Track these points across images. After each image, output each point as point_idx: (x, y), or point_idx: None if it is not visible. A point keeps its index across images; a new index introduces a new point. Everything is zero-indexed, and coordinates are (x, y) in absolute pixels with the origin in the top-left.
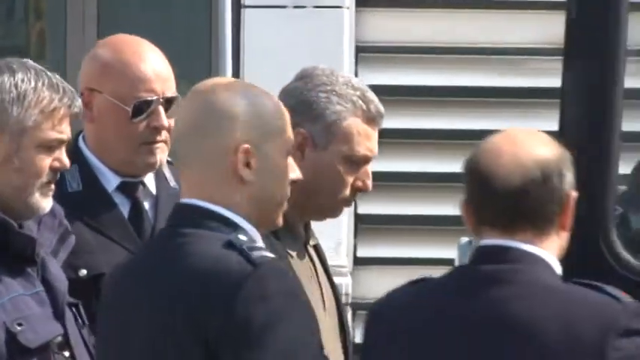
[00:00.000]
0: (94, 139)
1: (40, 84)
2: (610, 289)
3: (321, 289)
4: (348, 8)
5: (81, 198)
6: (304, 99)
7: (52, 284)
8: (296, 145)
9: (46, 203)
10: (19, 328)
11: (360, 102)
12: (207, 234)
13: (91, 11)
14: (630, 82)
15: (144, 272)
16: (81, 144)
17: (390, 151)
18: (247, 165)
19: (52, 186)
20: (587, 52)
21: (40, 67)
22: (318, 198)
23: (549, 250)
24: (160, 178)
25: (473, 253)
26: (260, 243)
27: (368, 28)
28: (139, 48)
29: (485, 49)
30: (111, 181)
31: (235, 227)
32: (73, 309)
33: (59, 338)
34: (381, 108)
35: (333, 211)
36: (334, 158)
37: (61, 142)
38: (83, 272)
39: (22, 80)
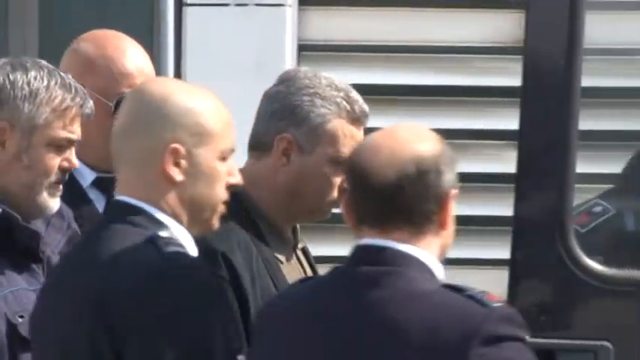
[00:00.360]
0: None
1: (52, 83)
2: (479, 294)
3: None
4: (290, 6)
5: None
6: (287, 103)
7: None
8: (281, 151)
9: (53, 203)
10: (20, 320)
11: (345, 103)
12: (131, 230)
13: (31, 7)
14: (588, 82)
15: (72, 261)
16: None
17: None
18: (177, 165)
19: (60, 186)
20: (545, 51)
21: (52, 66)
22: (306, 201)
23: (428, 249)
24: None
25: (351, 253)
26: (185, 242)
27: (310, 26)
28: (121, 43)
29: (429, 47)
30: (86, 176)
31: (160, 225)
32: None
33: None
34: (366, 107)
35: (322, 214)
36: (321, 161)
37: (70, 141)
38: None
39: (35, 78)
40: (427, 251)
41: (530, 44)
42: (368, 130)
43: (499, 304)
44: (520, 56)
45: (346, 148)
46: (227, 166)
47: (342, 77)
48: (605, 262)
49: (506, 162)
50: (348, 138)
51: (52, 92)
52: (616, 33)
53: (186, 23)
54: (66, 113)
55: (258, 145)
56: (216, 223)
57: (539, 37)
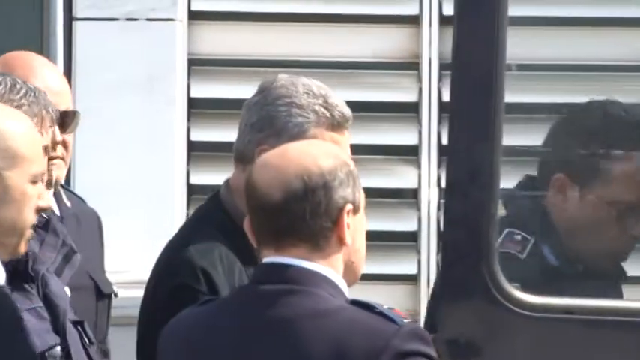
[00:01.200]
0: None
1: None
2: (387, 310)
3: None
4: (180, 21)
5: None
6: (264, 114)
7: (53, 301)
8: None
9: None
10: None
11: (323, 110)
12: None
13: None
14: (510, 97)
15: None
16: None
17: (224, 163)
18: None
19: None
20: (468, 66)
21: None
22: None
23: (332, 265)
24: (57, 197)
25: (255, 271)
26: None
27: (201, 40)
28: (30, 62)
29: (321, 62)
30: None
31: None
32: (78, 327)
33: (58, 351)
34: (347, 111)
35: None
36: None
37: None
38: None
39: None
40: (331, 268)
41: (457, 59)
42: None
43: (407, 321)
44: (414, 71)
45: None
46: (37, 190)
47: (232, 92)
48: (529, 289)
49: (400, 177)
50: None
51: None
52: (540, 48)
53: (76, 38)
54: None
55: (241, 157)
56: (23, 248)
57: (465, 52)
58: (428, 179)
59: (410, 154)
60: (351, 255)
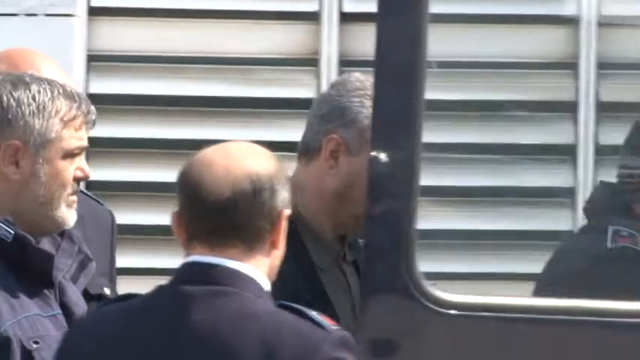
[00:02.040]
0: None
1: (56, 93)
2: (316, 316)
3: (354, 305)
4: (79, 16)
5: None
6: (336, 105)
7: (71, 309)
8: (329, 152)
9: (71, 216)
10: (35, 345)
11: None
12: None
13: None
14: (432, 94)
15: None
16: None
17: (124, 159)
18: None
19: (75, 197)
20: (389, 63)
21: (49, 78)
22: (354, 205)
23: (260, 268)
24: None
25: (179, 270)
26: None
27: (100, 36)
28: (35, 60)
29: (220, 58)
30: None
31: None
32: None
33: None
34: None
35: None
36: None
37: (82, 149)
38: None
39: (39, 92)
40: (259, 271)
41: (379, 57)
42: (161, 141)
43: (336, 327)
44: (313, 68)
45: None
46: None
47: (132, 88)
48: (448, 288)
49: None
50: None
51: (57, 103)
52: (461, 45)
53: None
54: (74, 122)
55: (306, 150)
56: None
57: (386, 49)
58: None
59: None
60: (275, 260)
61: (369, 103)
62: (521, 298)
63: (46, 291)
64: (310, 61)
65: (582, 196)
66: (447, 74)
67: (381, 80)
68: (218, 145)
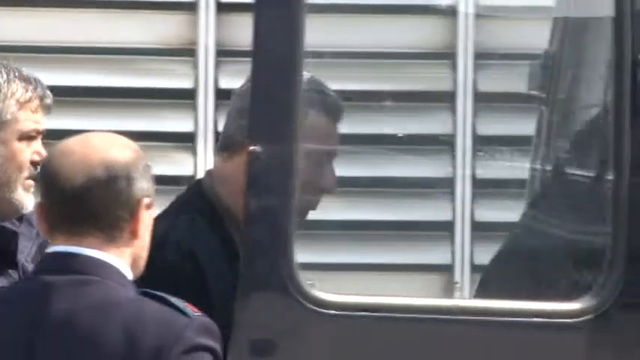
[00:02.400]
0: None
1: (12, 75)
2: (179, 303)
3: None
4: None
5: None
6: None
7: None
8: None
9: (29, 200)
10: None
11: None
12: None
13: None
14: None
15: None
16: None
17: None
18: None
19: (32, 182)
20: (267, 54)
21: (4, 61)
22: None
23: (122, 257)
24: None
25: (41, 261)
26: None
27: None
28: None
29: (97, 49)
30: None
31: None
32: None
33: None
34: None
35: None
36: None
37: (38, 132)
38: None
39: None
40: (121, 260)
41: (257, 47)
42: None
43: (199, 314)
44: (190, 58)
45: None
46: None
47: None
48: (327, 288)
49: (176, 164)
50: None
51: (13, 86)
52: (343, 36)
53: None
54: (30, 105)
55: (229, 144)
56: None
57: (264, 40)
58: (204, 166)
59: (186, 141)
60: (139, 249)
61: None
62: (401, 297)
63: (10, 271)
64: (187, 51)
65: (461, 186)
66: (325, 65)
67: (259, 72)
68: (81, 134)
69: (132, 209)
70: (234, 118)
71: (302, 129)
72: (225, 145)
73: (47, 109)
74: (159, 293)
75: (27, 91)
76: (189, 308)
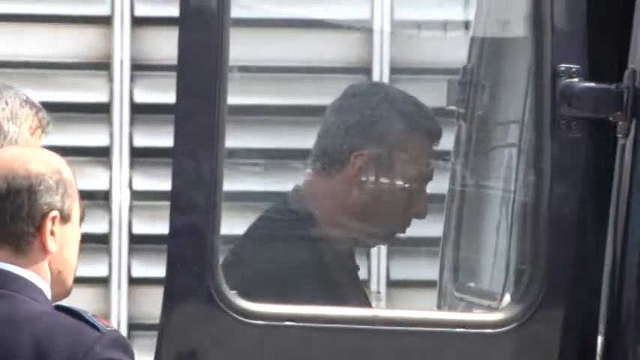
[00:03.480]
0: None
1: (22, 101)
2: (90, 317)
3: None
4: None
5: None
6: (363, 118)
7: None
8: (357, 169)
9: None
10: None
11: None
12: None
13: None
14: (234, 100)
15: None
16: None
17: None
18: None
19: None
20: (191, 69)
21: (8, 84)
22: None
23: (36, 271)
24: None
25: None
26: None
27: None
28: None
29: (11, 62)
30: None
31: None
32: None
33: None
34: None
35: (389, 236)
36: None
37: None
38: None
39: (10, 97)
40: (35, 273)
41: (181, 62)
42: None
43: (110, 329)
44: (105, 72)
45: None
46: None
47: None
48: (251, 297)
49: (91, 179)
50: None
51: (24, 111)
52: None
53: None
54: (37, 131)
55: (329, 161)
56: None
57: (188, 54)
58: (119, 181)
59: (101, 155)
60: (58, 264)
61: (396, 114)
62: (327, 307)
63: None
64: (103, 65)
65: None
66: (250, 79)
67: (183, 87)
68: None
69: (36, 223)
70: (333, 134)
71: (405, 150)
72: (324, 161)
73: (45, 135)
74: (73, 308)
75: (35, 117)
76: (101, 323)
